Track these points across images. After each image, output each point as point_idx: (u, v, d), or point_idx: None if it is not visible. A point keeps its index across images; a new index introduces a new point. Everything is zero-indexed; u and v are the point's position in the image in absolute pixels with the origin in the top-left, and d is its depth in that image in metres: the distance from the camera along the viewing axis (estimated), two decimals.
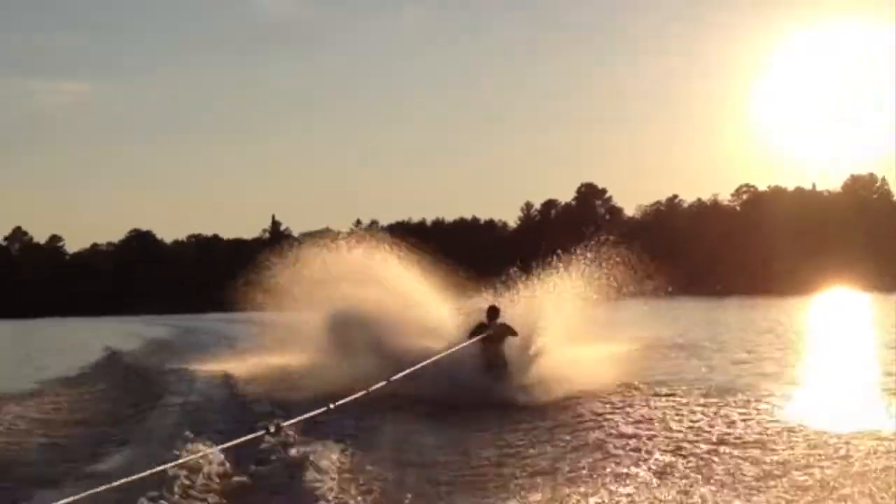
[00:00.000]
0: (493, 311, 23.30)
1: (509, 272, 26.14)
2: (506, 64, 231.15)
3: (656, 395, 21.42)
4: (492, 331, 22.51)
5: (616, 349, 27.31)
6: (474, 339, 21.81)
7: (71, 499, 7.80)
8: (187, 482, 12.21)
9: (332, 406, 11.83)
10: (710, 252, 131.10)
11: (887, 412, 18.49)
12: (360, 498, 12.09)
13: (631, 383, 22.79)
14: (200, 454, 12.34)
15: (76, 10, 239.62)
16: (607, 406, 19.63)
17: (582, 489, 12.06)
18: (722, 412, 18.59)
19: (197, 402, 22.84)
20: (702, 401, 20.19)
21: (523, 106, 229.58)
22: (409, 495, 12.37)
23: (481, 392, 21.10)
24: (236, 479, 13.18)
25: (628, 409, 19.29)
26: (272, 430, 10.47)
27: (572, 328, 24.56)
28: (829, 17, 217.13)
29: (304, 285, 28.05)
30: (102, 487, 8.09)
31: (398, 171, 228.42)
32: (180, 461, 10.77)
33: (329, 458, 14.01)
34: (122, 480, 8.24)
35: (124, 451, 16.41)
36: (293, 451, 14.39)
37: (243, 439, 10.86)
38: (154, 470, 8.97)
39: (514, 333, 22.81)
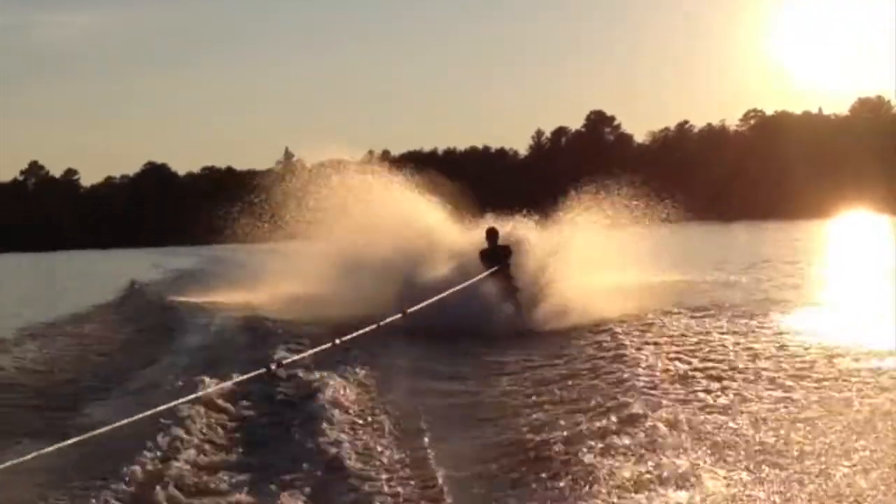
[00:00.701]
0: (493, 234, 22.72)
1: (524, 212, 25.56)
2: None
3: (683, 315, 21.13)
4: (497, 259, 21.89)
5: (638, 279, 26.55)
6: (486, 273, 20.99)
7: (69, 441, 7.43)
8: (189, 422, 11.66)
9: (337, 342, 11.28)
10: (723, 177, 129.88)
11: None
12: (370, 431, 11.57)
13: (653, 310, 22.13)
14: (201, 393, 11.78)
15: None
16: (621, 334, 18.93)
17: (595, 423, 11.41)
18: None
19: (209, 337, 22.18)
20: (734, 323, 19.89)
21: (533, 34, 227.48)
22: (424, 424, 11.88)
23: (494, 321, 20.56)
24: (240, 415, 12.66)
25: (645, 335, 18.77)
26: (273, 368, 9.89)
27: (591, 255, 23.83)
28: None
29: (317, 213, 27.51)
30: (97, 431, 7.66)
31: (409, 100, 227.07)
32: (180, 401, 10.21)
33: (337, 391, 13.40)
34: (120, 422, 7.77)
35: (129, 391, 15.81)
36: (299, 386, 13.90)
37: (241, 378, 10.47)
38: (154, 411, 8.54)
39: (510, 252, 22.35)
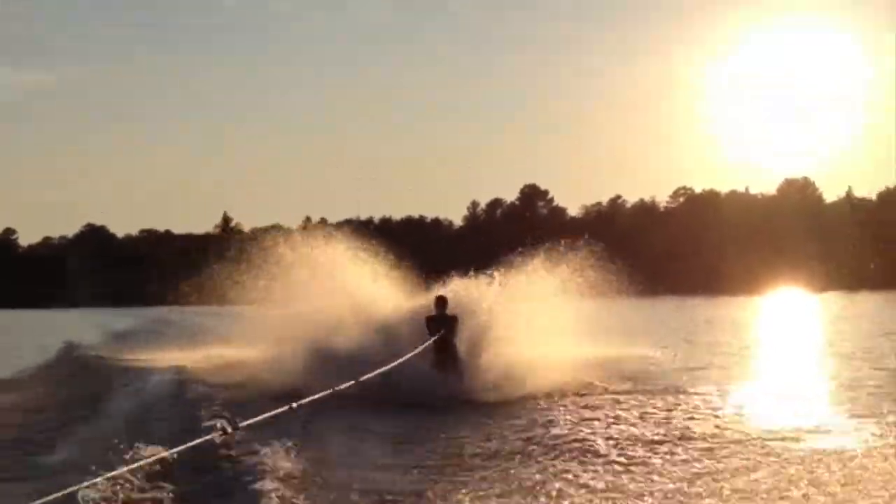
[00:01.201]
0: (442, 302, 22.35)
1: (470, 272, 25.45)
2: (454, 64, 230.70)
3: (615, 393, 20.99)
4: (443, 327, 21.63)
5: (578, 351, 26.26)
6: (427, 343, 20.83)
7: None
8: (129, 490, 11.37)
9: (294, 406, 11.14)
10: (655, 252, 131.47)
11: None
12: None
13: (591, 382, 22.21)
14: (150, 459, 11.41)
15: None
16: (562, 407, 19.01)
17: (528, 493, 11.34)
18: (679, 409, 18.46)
19: (148, 401, 21.74)
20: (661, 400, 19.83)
21: (471, 105, 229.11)
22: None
23: (430, 390, 20.33)
24: (182, 485, 12.28)
25: (582, 409, 18.71)
26: (229, 430, 9.69)
27: (534, 326, 23.75)
28: (770, 23, 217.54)
29: (264, 279, 27.33)
30: None
31: (344, 168, 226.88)
32: (124, 469, 9.95)
33: (280, 462, 13.12)
34: (56, 494, 7.23)
35: (63, 455, 15.31)
36: (244, 455, 13.57)
37: (198, 441, 10.14)
38: (89, 483, 8.18)
39: (457, 322, 22.08)
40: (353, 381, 13.48)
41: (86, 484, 8.01)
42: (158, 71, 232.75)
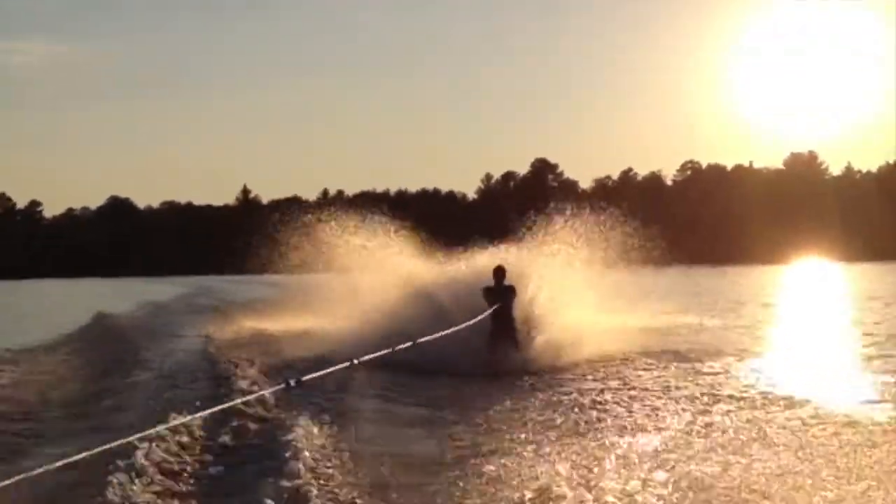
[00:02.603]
0: (500, 272, 21.59)
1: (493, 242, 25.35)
2: (467, 39, 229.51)
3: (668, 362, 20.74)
4: (500, 296, 21.15)
5: (621, 319, 26.30)
6: (486, 313, 20.30)
7: (40, 470, 6.59)
8: (167, 449, 11.24)
9: (355, 361, 10.88)
10: (674, 223, 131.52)
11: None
12: (340, 471, 11.06)
13: (638, 352, 21.97)
14: (189, 417, 11.27)
15: None
16: (609, 376, 18.82)
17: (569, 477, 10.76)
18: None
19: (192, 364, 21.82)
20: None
21: (485, 78, 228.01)
22: (388, 472, 11.18)
23: (485, 360, 20.13)
24: (218, 442, 12.25)
25: (634, 377, 18.63)
26: (293, 383, 9.65)
27: (576, 293, 23.59)
28: None
29: (316, 250, 27.61)
30: (64, 462, 6.75)
31: (361, 141, 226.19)
32: (160, 427, 9.93)
33: (312, 429, 12.84)
34: (93, 450, 7.02)
35: (107, 420, 15.09)
36: (275, 419, 13.48)
37: (269, 391, 9.98)
38: (133, 437, 8.05)
39: (514, 293, 21.54)
40: (410, 343, 13.24)
41: (137, 436, 7.88)
42: (177, 46, 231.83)
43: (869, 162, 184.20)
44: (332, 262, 27.15)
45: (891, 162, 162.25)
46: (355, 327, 22.77)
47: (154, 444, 11.08)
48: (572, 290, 23.53)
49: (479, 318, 19.51)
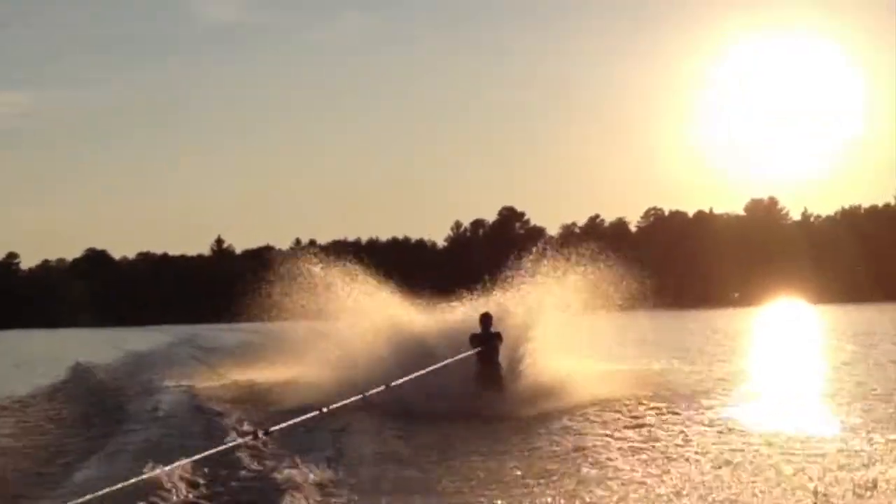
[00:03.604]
0: (487, 319, 21.61)
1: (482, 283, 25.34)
2: (435, 82, 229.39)
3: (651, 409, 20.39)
4: (487, 342, 21.10)
5: (604, 364, 26.28)
6: (468, 353, 20.36)
7: None
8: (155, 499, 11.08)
9: (324, 410, 10.65)
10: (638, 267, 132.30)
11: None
12: None
13: (623, 397, 21.64)
14: (176, 464, 11.04)
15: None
16: (596, 423, 18.49)
17: None
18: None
19: (170, 417, 21.45)
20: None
21: (455, 125, 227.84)
22: None
23: (470, 404, 19.85)
24: (208, 491, 12.00)
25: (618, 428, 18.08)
26: (260, 434, 9.48)
27: (561, 337, 23.43)
28: (744, 45, 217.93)
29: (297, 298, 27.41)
30: None
31: (329, 191, 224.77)
32: (151, 474, 9.80)
33: (307, 472, 12.74)
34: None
35: (85, 473, 14.72)
36: (269, 464, 13.35)
37: (229, 446, 9.88)
38: (116, 487, 7.74)
39: (501, 340, 21.53)
40: (383, 387, 12.89)
41: (110, 489, 7.63)
42: (153, 95, 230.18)
43: (825, 207, 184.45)
44: (313, 309, 26.98)
45: (846, 207, 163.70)
46: (344, 375, 22.19)
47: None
48: (556, 336, 23.36)
49: (458, 357, 19.37)
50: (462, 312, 24.16)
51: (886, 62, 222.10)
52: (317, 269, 27.58)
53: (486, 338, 21.38)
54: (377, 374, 19.16)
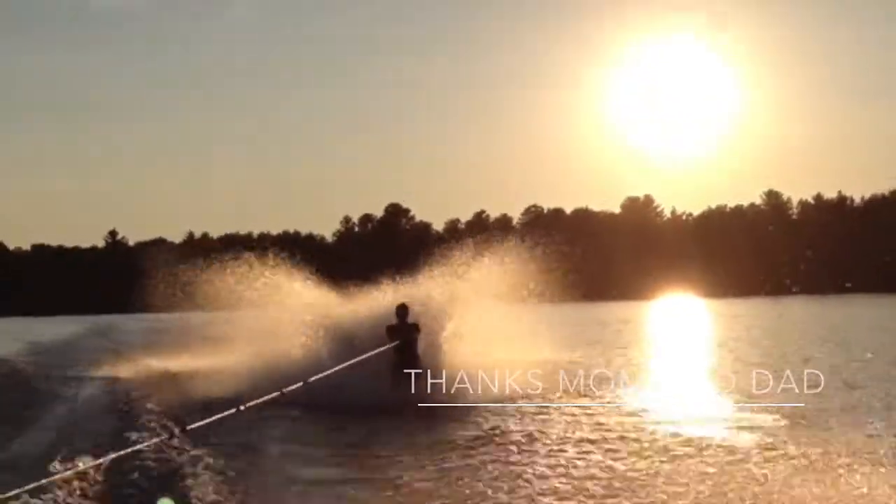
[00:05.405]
0: (403, 310, 20.86)
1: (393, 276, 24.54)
2: (327, 72, 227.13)
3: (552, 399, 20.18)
4: (404, 334, 20.31)
5: (517, 354, 25.42)
6: (387, 347, 19.42)
7: None
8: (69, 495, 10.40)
9: (241, 408, 10.04)
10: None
11: None
12: None
13: (535, 387, 21.23)
14: (91, 464, 10.50)
15: None
16: (507, 413, 18.11)
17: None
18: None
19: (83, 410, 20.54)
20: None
21: (343, 121, 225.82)
22: None
23: (387, 398, 19.22)
24: (117, 490, 11.30)
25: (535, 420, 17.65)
26: (176, 432, 8.86)
27: (480, 327, 22.86)
28: (626, 44, 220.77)
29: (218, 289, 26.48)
30: None
31: (221, 184, 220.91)
32: (63, 474, 9.13)
33: (215, 467, 12.23)
34: None
35: None
36: (179, 460, 12.60)
37: (144, 445, 9.32)
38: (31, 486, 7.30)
39: (418, 331, 20.81)
40: (301, 383, 12.14)
41: (20, 490, 7.05)
42: (43, 79, 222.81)
43: (695, 206, 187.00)
44: (224, 299, 26.05)
45: (713, 207, 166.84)
46: (264, 366, 21.56)
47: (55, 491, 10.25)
48: (473, 326, 22.77)
49: (376, 351, 18.42)
50: (380, 300, 23.27)
51: (761, 74, 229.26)
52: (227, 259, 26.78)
53: (403, 329, 20.64)
54: (296, 363, 18.69)
